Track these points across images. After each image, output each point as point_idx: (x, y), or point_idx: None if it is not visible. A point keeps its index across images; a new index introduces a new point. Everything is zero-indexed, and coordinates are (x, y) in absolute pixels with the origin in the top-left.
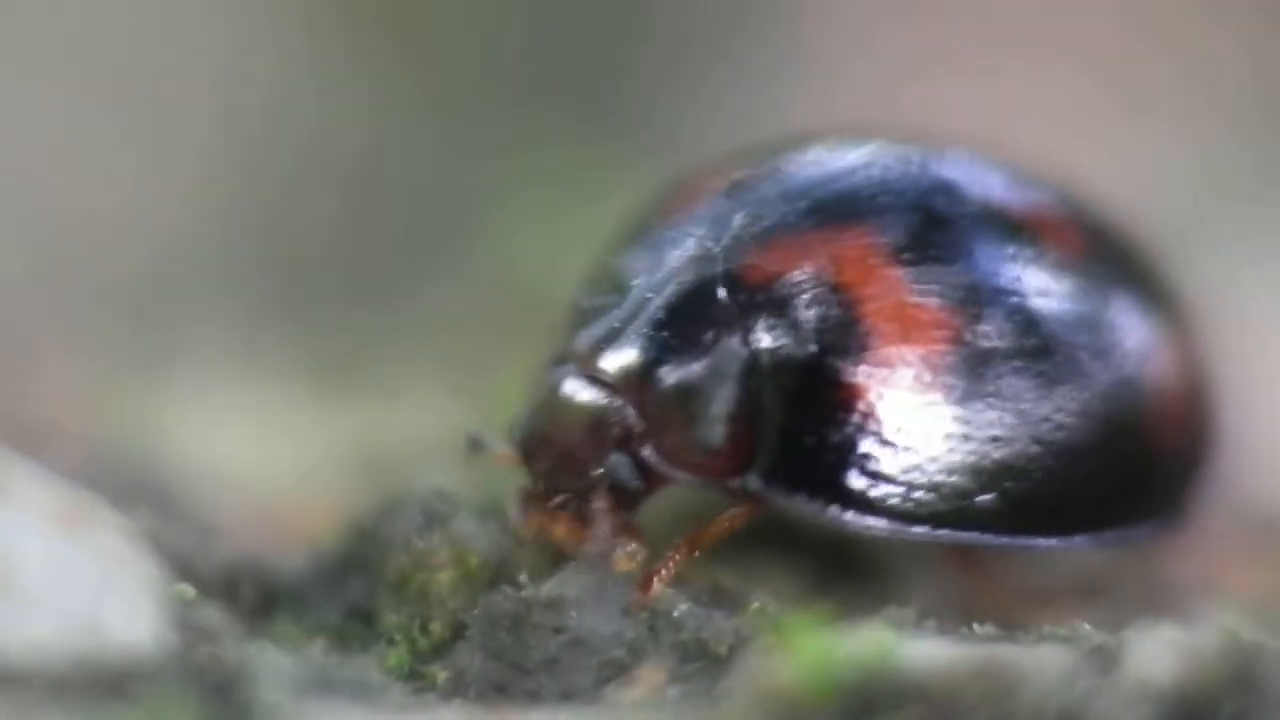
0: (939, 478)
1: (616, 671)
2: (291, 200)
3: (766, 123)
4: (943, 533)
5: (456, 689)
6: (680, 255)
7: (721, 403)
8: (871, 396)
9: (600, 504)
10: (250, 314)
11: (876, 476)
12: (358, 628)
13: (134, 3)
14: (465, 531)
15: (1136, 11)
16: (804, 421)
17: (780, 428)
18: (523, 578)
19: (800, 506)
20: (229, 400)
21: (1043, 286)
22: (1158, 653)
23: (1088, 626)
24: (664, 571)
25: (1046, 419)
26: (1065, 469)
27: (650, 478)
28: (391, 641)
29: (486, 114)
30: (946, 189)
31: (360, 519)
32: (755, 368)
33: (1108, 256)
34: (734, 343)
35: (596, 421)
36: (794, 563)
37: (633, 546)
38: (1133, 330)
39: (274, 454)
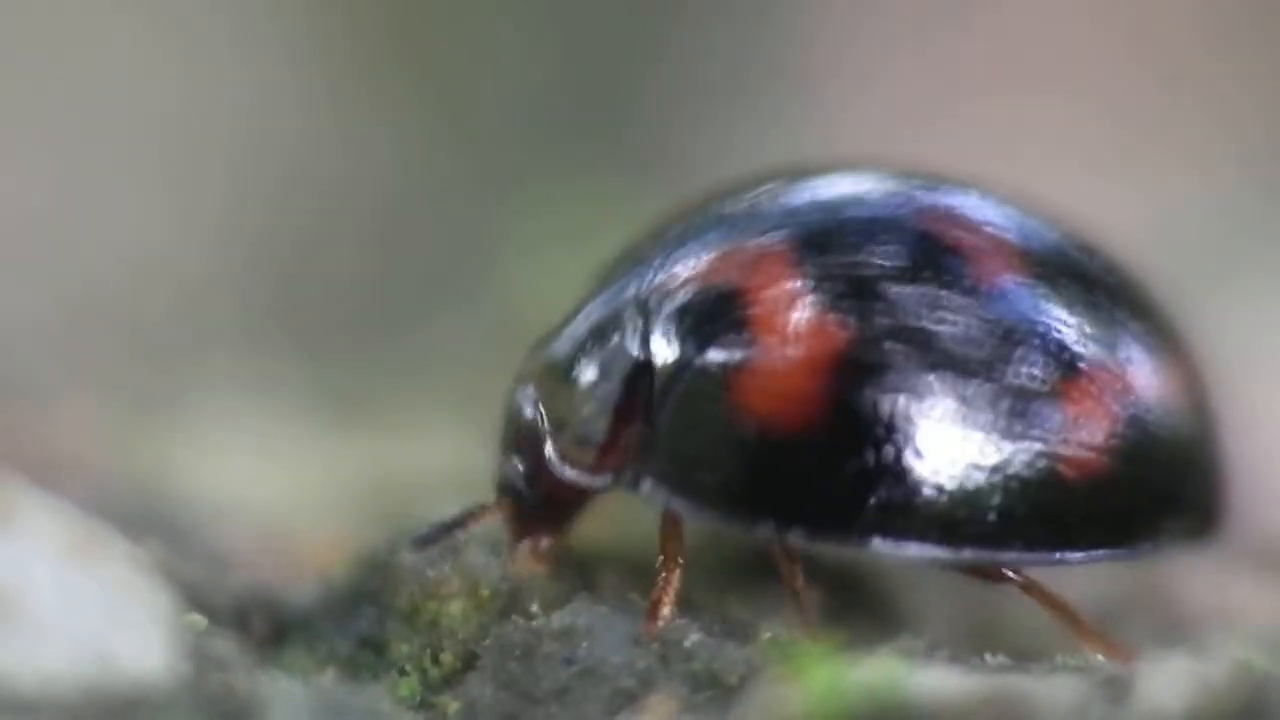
0: (805, 484)
1: (627, 701)
2: (310, 240)
3: (776, 154)
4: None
5: (468, 719)
6: (620, 276)
7: (605, 400)
8: (755, 405)
9: (496, 501)
10: (265, 349)
11: (757, 484)
12: (369, 658)
13: (159, 51)
14: (476, 562)
15: (1146, 47)
16: (687, 426)
17: (668, 431)
18: (534, 607)
19: (685, 511)
20: (242, 433)
21: (948, 305)
22: (1170, 682)
23: (1100, 656)
24: (665, 595)
25: (918, 436)
26: (935, 480)
27: (556, 486)
28: (403, 671)
29: (501, 153)
30: (868, 206)
31: (371, 549)
32: (645, 371)
33: (1058, 283)
34: (629, 345)
35: (513, 425)
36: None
37: (540, 546)
38: (1057, 354)
39: (286, 486)
